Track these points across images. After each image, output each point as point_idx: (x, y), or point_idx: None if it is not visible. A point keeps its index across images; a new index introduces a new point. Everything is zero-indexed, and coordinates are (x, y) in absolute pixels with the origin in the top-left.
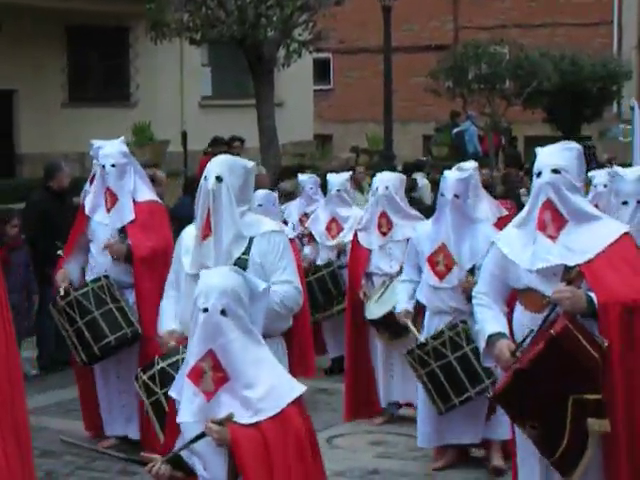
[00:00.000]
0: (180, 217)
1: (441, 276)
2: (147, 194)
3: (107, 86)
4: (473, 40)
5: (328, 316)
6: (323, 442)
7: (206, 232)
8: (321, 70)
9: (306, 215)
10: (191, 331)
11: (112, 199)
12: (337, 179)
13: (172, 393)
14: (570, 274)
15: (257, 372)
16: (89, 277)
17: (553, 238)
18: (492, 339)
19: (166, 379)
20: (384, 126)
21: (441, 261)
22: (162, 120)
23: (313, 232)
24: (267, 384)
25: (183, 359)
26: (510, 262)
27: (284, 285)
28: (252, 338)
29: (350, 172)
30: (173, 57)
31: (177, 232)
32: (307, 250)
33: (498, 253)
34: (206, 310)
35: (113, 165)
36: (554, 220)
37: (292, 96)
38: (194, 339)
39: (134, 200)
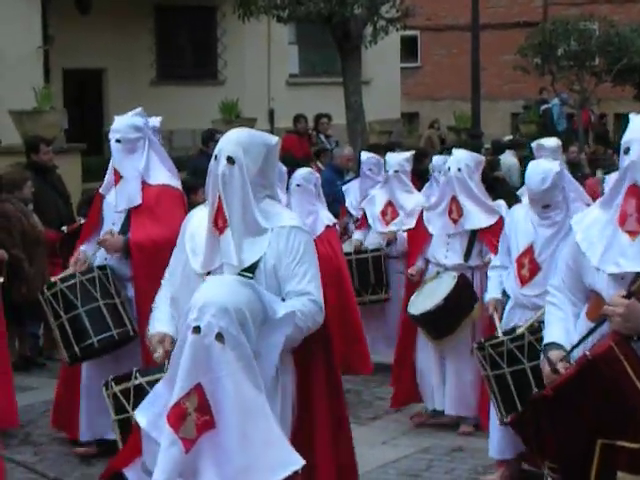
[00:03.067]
0: None
1: (524, 282)
2: (162, 176)
3: (195, 64)
4: (562, 16)
5: (359, 303)
6: (406, 418)
7: (222, 224)
8: (408, 47)
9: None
10: (177, 351)
11: (116, 178)
12: (395, 159)
13: (139, 418)
14: (637, 283)
15: (245, 428)
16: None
17: (634, 235)
18: (546, 349)
19: (142, 398)
20: (472, 104)
21: (526, 265)
22: (249, 98)
23: (367, 214)
24: (252, 452)
25: None
26: (582, 252)
27: (301, 298)
28: (251, 378)
29: (412, 152)
30: (260, 35)
31: None
32: (357, 235)
33: (572, 238)
34: (197, 330)
35: (118, 140)
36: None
37: (379, 74)
38: (180, 366)
39: (145, 182)
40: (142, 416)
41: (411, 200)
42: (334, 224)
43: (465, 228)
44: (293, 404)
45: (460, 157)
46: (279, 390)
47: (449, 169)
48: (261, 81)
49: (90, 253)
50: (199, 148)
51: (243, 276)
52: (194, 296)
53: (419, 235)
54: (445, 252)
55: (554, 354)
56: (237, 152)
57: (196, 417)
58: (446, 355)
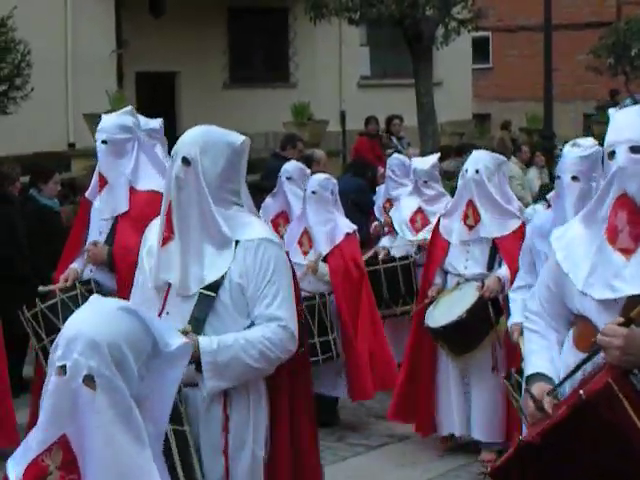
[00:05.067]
0: (345, 193)
1: None
2: (151, 182)
3: (267, 67)
4: (636, 16)
5: (388, 315)
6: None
7: (167, 234)
8: (480, 49)
9: (389, 202)
10: (43, 394)
11: (101, 182)
12: (422, 167)
13: (10, 472)
14: (637, 308)
15: None
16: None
17: (628, 253)
18: (530, 381)
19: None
20: (544, 105)
21: None
22: (321, 100)
23: (394, 222)
24: None
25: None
26: (564, 273)
27: (270, 325)
28: (130, 431)
29: (437, 155)
30: (332, 37)
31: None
32: (385, 241)
33: (553, 258)
34: (63, 370)
35: (104, 142)
36: (633, 225)
37: (451, 75)
38: (42, 412)
39: (132, 188)
40: (12, 470)
41: (442, 205)
42: (354, 231)
43: (480, 235)
44: (266, 441)
45: (478, 158)
46: (251, 429)
47: (467, 171)
48: (332, 83)
49: (81, 269)
50: (274, 151)
51: (205, 295)
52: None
53: (436, 245)
54: (465, 262)
55: (538, 388)
56: (193, 152)
57: (60, 477)
58: (469, 374)
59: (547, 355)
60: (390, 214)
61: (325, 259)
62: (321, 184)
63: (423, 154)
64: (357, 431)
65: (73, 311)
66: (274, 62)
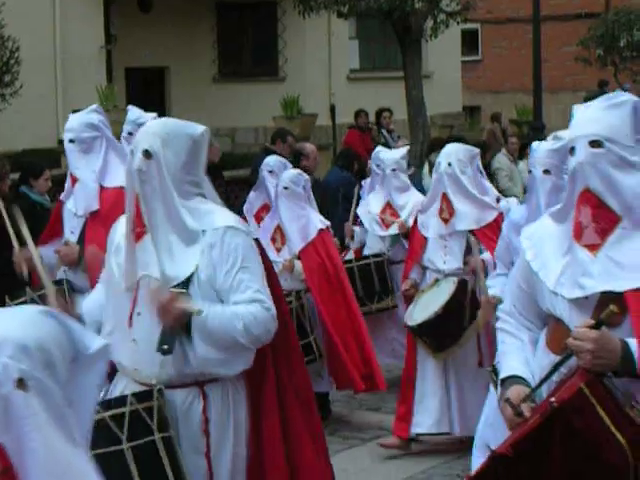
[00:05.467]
0: (335, 186)
1: None
2: (119, 178)
3: (256, 61)
4: (625, 7)
5: (365, 312)
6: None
7: (139, 228)
8: (469, 41)
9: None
10: None
11: (72, 181)
12: (391, 156)
13: None
14: (606, 310)
15: None
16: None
17: (594, 249)
18: (506, 385)
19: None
20: (533, 96)
21: None
22: (310, 93)
23: (362, 218)
24: None
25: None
26: (534, 272)
27: (254, 305)
28: (65, 431)
29: (407, 147)
30: (321, 30)
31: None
32: (357, 229)
33: (523, 257)
34: None
35: (72, 140)
36: (597, 220)
37: (440, 67)
38: None
39: (101, 185)
40: None
41: (411, 198)
42: (327, 227)
43: (456, 229)
44: (248, 438)
45: (450, 151)
46: (231, 429)
47: (439, 164)
48: (322, 77)
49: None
50: (263, 145)
51: (177, 291)
52: None
53: (414, 241)
54: (443, 256)
55: (515, 392)
56: (155, 144)
57: None
58: (450, 370)
59: (521, 356)
60: (357, 211)
61: (299, 256)
62: (292, 180)
63: (413, 147)
64: (350, 424)
65: None
66: (263, 56)
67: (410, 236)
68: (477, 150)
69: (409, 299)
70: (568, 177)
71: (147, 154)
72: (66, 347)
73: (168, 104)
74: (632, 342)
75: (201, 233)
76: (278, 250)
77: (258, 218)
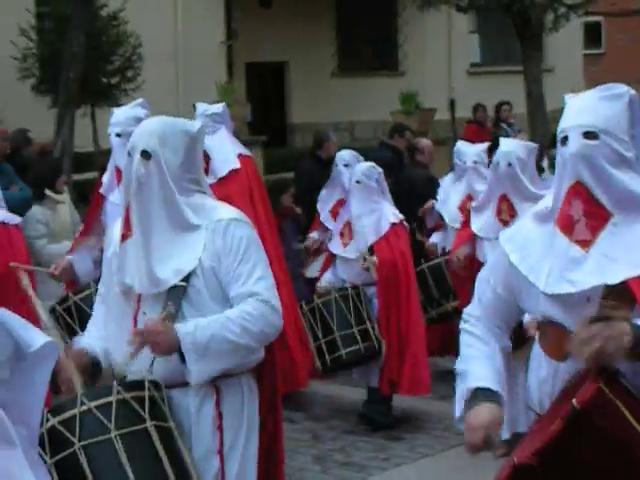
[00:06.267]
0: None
1: None
2: None
3: (376, 55)
4: None
5: (443, 312)
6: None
7: (124, 230)
8: (592, 34)
9: (470, 197)
10: None
11: (118, 176)
12: (472, 149)
13: None
14: (606, 301)
15: None
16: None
17: (585, 245)
18: (475, 397)
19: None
20: None
21: None
22: (430, 88)
23: (442, 213)
24: None
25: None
26: (522, 277)
27: (249, 301)
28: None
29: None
30: (441, 24)
31: None
32: (434, 238)
33: (503, 260)
34: None
35: (118, 134)
36: (589, 215)
37: (562, 61)
38: None
39: None
40: None
41: None
42: (401, 221)
43: None
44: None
45: (510, 150)
46: (244, 426)
47: (498, 164)
48: (441, 71)
49: (83, 267)
50: (380, 140)
51: (175, 286)
52: None
53: (466, 238)
54: None
55: (483, 411)
56: (153, 144)
57: None
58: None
59: (490, 363)
60: (436, 207)
61: (371, 250)
62: (365, 173)
63: (533, 141)
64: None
65: (87, 312)
66: (383, 50)
67: (461, 234)
68: (535, 145)
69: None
70: (557, 168)
71: (146, 155)
72: (2, 347)
73: (287, 99)
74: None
75: (204, 227)
76: (345, 245)
77: (334, 213)
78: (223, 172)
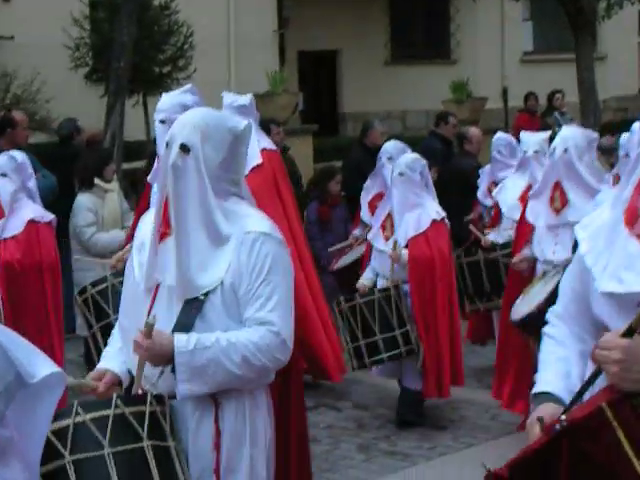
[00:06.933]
0: None
1: None
2: None
3: (428, 44)
4: None
5: (492, 308)
6: None
7: (163, 229)
8: None
9: (495, 184)
10: None
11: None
12: (533, 138)
13: None
14: (636, 316)
15: None
16: None
17: None
18: (537, 400)
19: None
20: None
21: None
22: (482, 76)
23: (500, 205)
24: None
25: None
26: (588, 268)
27: (259, 329)
28: None
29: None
30: (494, 12)
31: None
32: (491, 236)
33: (578, 251)
34: None
35: (162, 121)
36: None
37: (615, 49)
38: None
39: None
40: None
41: None
42: (442, 218)
43: (569, 220)
44: (269, 458)
45: (568, 136)
46: (247, 444)
47: (554, 150)
48: (494, 59)
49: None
50: (430, 129)
51: (192, 298)
52: None
53: (524, 229)
54: (554, 246)
55: (547, 411)
56: (193, 138)
57: None
58: None
59: (561, 369)
60: (495, 196)
61: (407, 245)
62: (409, 165)
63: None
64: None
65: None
66: (435, 39)
67: (519, 226)
68: (596, 135)
69: (514, 290)
70: (633, 159)
71: (185, 148)
72: (2, 375)
73: (340, 87)
74: None
75: (233, 237)
76: (387, 238)
77: (372, 207)
78: (245, 170)
